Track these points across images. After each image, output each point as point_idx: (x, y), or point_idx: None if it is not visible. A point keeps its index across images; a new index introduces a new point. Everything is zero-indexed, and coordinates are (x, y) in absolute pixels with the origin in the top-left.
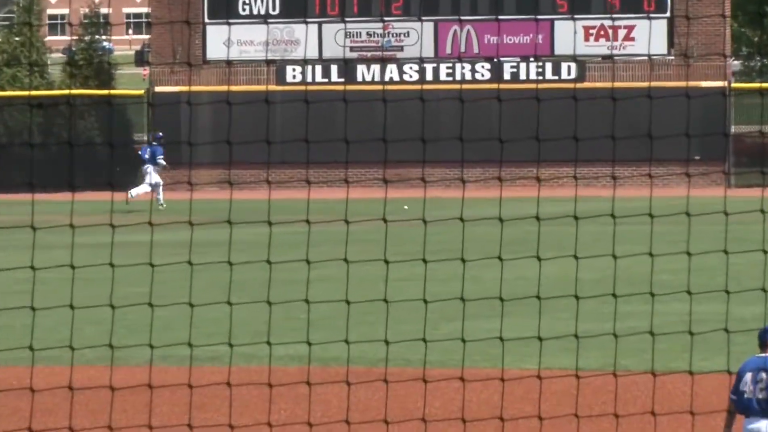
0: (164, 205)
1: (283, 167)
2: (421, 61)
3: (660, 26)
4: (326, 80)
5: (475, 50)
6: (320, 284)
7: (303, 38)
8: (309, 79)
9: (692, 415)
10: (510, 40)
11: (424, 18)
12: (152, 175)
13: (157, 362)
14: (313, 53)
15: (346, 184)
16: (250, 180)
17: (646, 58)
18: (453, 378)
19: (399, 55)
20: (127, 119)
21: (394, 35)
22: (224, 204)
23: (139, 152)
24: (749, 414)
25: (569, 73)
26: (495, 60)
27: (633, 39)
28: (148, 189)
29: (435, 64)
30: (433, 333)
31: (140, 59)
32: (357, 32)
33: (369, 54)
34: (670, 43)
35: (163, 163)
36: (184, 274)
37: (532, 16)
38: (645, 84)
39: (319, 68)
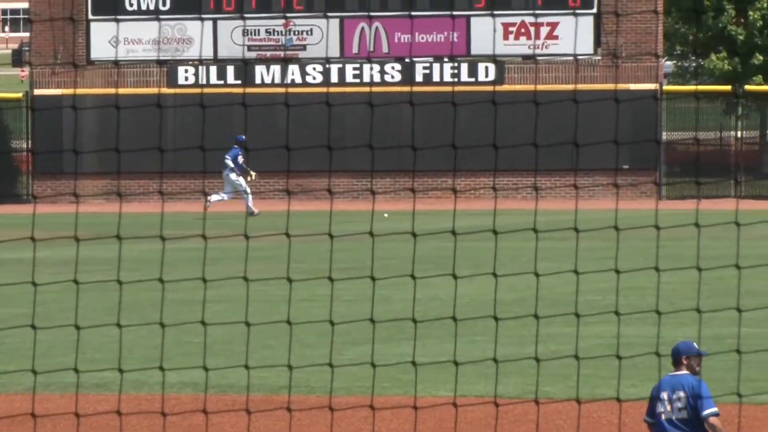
0: (256, 213)
1: (177, 177)
2: (327, 61)
3: (586, 23)
4: (222, 82)
5: (385, 50)
6: (217, 305)
7: (196, 36)
8: (203, 80)
9: None
10: (422, 38)
11: (329, 14)
12: (233, 183)
13: (40, 389)
14: (207, 53)
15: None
16: (140, 191)
17: (571, 58)
18: (361, 406)
19: (301, 54)
20: (4, 125)
21: (296, 33)
22: (112, 217)
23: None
24: None
25: (487, 75)
26: (406, 60)
27: (557, 37)
28: (226, 198)
29: (341, 65)
30: (339, 358)
31: (18, 59)
32: (255, 30)
33: (269, 54)
34: (597, 42)
35: (231, 164)
36: (69, 294)
37: (447, 13)
38: (570, 87)
39: (214, 69)
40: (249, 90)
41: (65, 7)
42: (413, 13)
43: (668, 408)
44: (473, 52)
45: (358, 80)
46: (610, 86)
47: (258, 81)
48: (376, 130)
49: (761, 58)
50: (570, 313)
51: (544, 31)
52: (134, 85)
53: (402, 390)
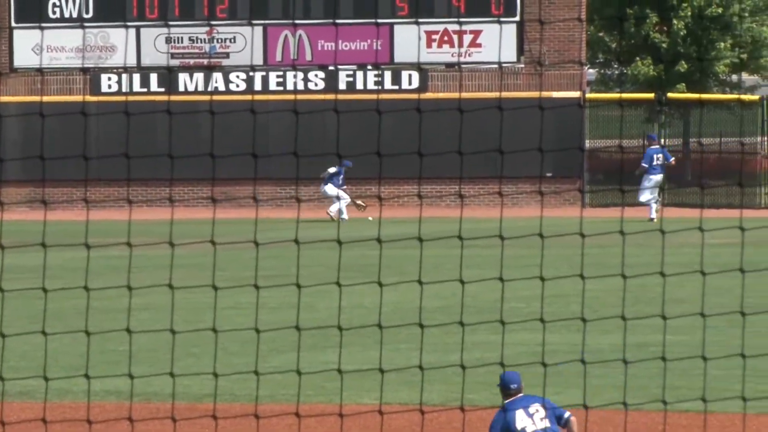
0: (347, 219)
1: (101, 185)
2: (250, 69)
3: (509, 31)
4: (145, 90)
5: (308, 57)
6: (142, 313)
7: (120, 44)
8: (126, 88)
9: None
10: (346, 46)
11: (253, 22)
12: (329, 194)
13: None
14: (131, 60)
15: (171, 204)
16: (63, 199)
17: (494, 66)
18: (286, 414)
19: (225, 62)
20: None
21: (220, 41)
22: (36, 225)
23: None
24: None
25: (411, 83)
26: (330, 68)
27: (480, 45)
28: (343, 205)
29: (264, 73)
30: (264, 365)
31: None
32: (179, 37)
33: (192, 62)
34: (521, 50)
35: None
36: None
37: (371, 20)
38: (494, 94)
39: (137, 77)
40: (173, 98)
41: None
42: (337, 21)
43: (531, 423)
44: (397, 59)
45: (281, 88)
46: (533, 94)
47: (182, 89)
48: (301, 138)
49: (686, 66)
50: (495, 321)
51: (468, 38)
52: (58, 93)
53: (327, 398)
